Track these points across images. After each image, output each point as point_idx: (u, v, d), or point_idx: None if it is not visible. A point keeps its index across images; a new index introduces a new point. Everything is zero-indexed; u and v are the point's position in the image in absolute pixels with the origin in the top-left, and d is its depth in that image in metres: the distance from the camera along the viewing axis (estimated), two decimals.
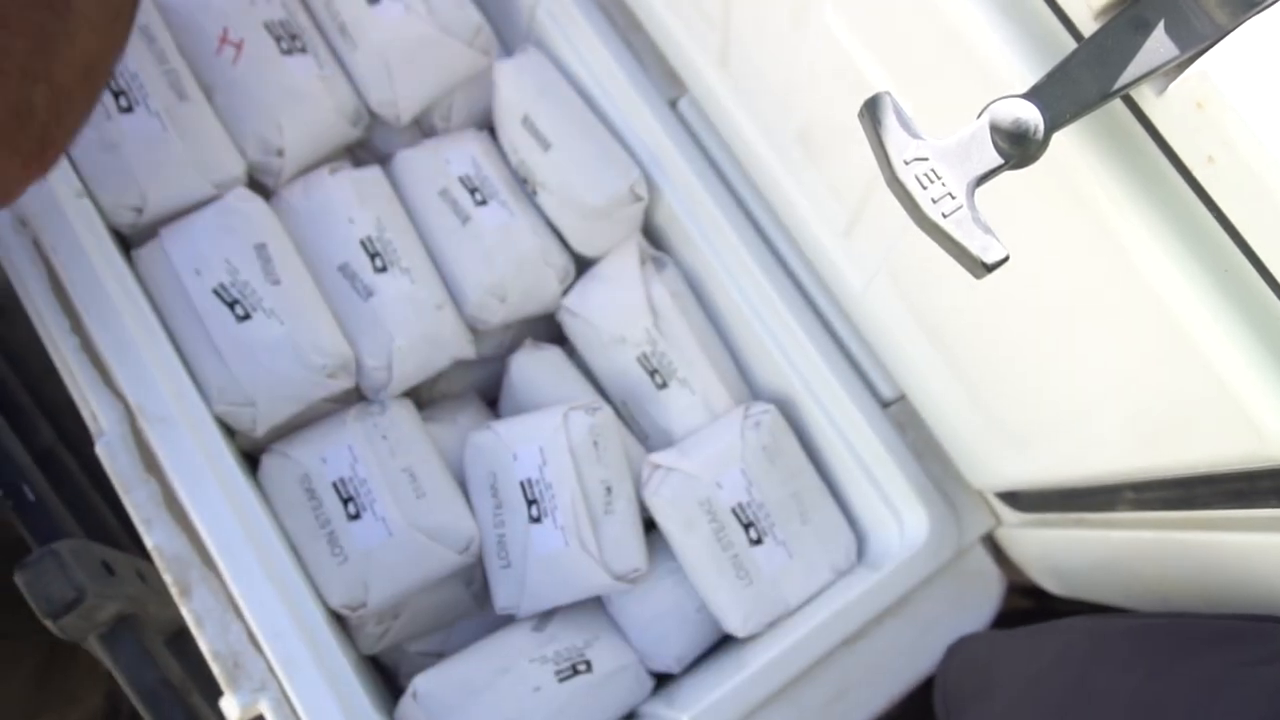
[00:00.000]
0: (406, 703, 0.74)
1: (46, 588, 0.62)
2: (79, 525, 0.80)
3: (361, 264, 0.80)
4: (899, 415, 0.82)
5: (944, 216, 0.39)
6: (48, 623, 0.62)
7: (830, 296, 0.84)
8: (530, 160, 0.86)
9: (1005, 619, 0.81)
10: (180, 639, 0.69)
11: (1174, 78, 0.39)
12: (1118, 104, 0.42)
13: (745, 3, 0.71)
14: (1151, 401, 0.51)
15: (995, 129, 0.39)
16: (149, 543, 0.66)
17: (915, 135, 0.40)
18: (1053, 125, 0.39)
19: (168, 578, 0.66)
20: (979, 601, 0.81)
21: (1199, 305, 0.42)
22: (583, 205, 0.84)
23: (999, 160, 0.39)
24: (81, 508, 0.82)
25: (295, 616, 0.68)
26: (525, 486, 0.78)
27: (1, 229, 0.73)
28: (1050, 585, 0.81)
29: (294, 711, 0.65)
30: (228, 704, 0.65)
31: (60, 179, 0.73)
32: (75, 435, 0.85)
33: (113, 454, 0.68)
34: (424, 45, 0.84)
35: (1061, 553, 0.75)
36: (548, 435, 0.78)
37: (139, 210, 0.77)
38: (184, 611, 0.66)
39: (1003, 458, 0.73)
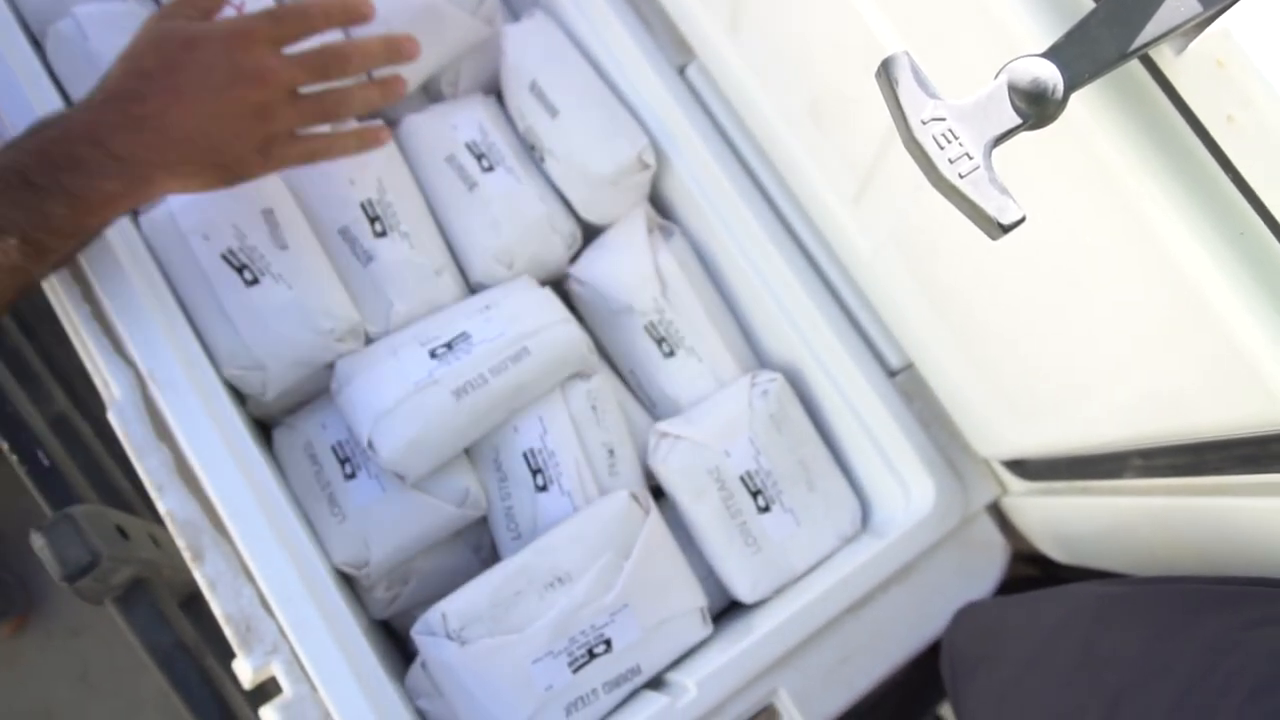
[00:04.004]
0: (415, 671, 0.74)
1: (63, 551, 0.63)
2: (93, 490, 0.81)
3: (362, 228, 0.80)
4: (906, 384, 0.83)
5: (961, 177, 0.39)
6: (64, 585, 0.63)
7: (838, 265, 0.84)
8: (538, 127, 0.85)
9: (1009, 587, 0.81)
10: (194, 602, 0.70)
11: (1194, 36, 0.38)
12: (1135, 64, 0.41)
13: None
14: (1164, 367, 0.51)
15: (1013, 88, 0.39)
16: (162, 508, 0.66)
17: (932, 95, 0.39)
18: (1071, 85, 0.39)
19: (180, 542, 0.66)
20: (983, 569, 0.81)
21: (1214, 268, 0.42)
22: (590, 173, 0.83)
23: (1017, 120, 0.39)
24: (95, 473, 0.83)
25: (306, 581, 0.68)
26: (528, 457, 0.78)
27: None
28: (1055, 553, 0.81)
29: (305, 673, 0.66)
30: (240, 666, 0.66)
31: None
32: (88, 401, 0.85)
33: (125, 421, 0.68)
34: (429, 16, 0.83)
35: (1067, 520, 0.76)
36: (546, 404, 0.78)
37: None
38: (196, 576, 0.66)
39: (1010, 426, 0.73)
